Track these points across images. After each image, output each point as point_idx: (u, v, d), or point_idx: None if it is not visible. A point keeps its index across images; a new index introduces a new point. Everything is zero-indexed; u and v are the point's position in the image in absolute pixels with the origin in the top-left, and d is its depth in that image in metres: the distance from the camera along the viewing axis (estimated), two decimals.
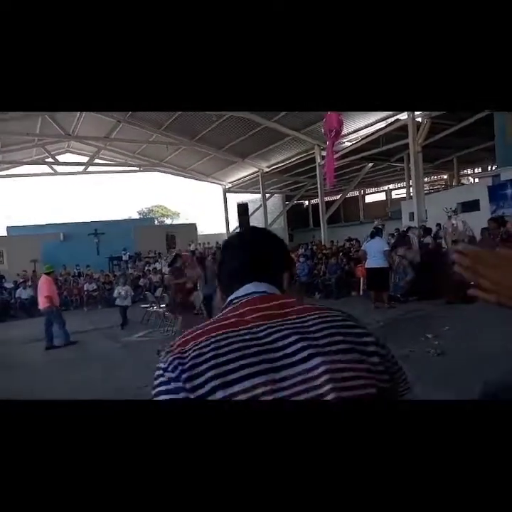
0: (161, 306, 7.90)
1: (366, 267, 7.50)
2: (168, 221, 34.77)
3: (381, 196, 23.76)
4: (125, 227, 20.26)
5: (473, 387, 3.50)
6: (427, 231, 9.03)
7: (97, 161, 18.40)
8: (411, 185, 12.71)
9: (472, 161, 16.78)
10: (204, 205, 60.28)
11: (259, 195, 20.01)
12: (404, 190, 17.23)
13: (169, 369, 0.65)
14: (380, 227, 8.24)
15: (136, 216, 33.43)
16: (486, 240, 7.00)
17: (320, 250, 12.73)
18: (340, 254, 10.44)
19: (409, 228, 8.95)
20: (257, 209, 20.53)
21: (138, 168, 20.07)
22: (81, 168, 18.33)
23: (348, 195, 19.08)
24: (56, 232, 18.68)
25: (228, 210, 21.63)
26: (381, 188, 23.27)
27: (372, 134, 12.53)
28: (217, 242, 19.07)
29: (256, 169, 18.91)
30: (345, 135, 13.68)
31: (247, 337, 0.66)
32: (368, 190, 23.94)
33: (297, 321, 0.70)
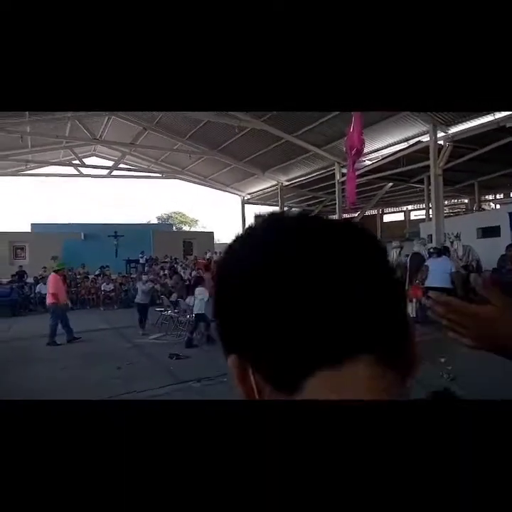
0: (175, 310, 8.05)
1: (428, 285, 6.92)
2: (185, 228, 35.23)
3: (400, 216, 23.66)
4: (144, 231, 20.65)
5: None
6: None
7: (121, 165, 18.90)
8: (430, 207, 12.69)
9: (493, 187, 16.63)
10: (222, 214, 60.87)
11: (277, 208, 20.19)
12: (423, 212, 17.16)
13: None
14: (447, 246, 7.96)
15: (156, 221, 33.98)
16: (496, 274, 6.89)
17: None
18: None
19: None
20: None
21: (160, 175, 20.53)
22: (105, 172, 18.84)
23: (366, 214, 19.07)
24: (77, 232, 19.18)
25: (246, 221, 21.86)
26: (400, 208, 23.18)
27: (393, 154, 12.60)
28: None
29: (275, 182, 19.12)
30: (366, 154, 13.78)
31: None
32: (386, 210, 23.87)
33: None
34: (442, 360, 5.00)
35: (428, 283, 6.85)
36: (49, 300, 7.12)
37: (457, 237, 9.56)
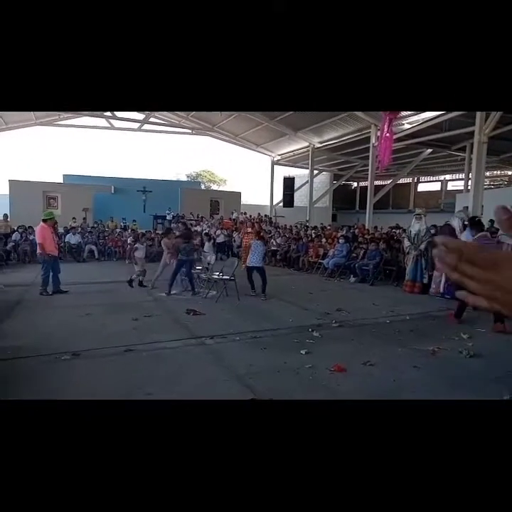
0: (197, 268, 8.11)
1: None
2: (214, 187, 35.04)
3: (436, 186, 22.54)
4: (172, 187, 20.67)
5: (497, 394, 3.35)
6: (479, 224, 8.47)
7: (152, 119, 18.67)
8: (470, 178, 11.94)
9: None
10: (251, 174, 59.84)
11: (307, 171, 19.61)
12: (461, 182, 16.21)
13: None
14: None
15: (185, 178, 33.92)
16: None
17: (362, 234, 12.41)
18: (381, 241, 10.11)
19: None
20: (303, 185, 20.16)
21: (190, 131, 20.20)
22: (136, 125, 18.70)
23: (400, 181, 18.26)
24: (107, 185, 19.42)
25: (274, 183, 21.44)
26: (437, 178, 22.04)
27: (436, 117, 11.77)
28: (258, 214, 19.05)
29: (307, 144, 18.45)
30: (406, 116, 12.95)
31: None
32: (422, 178, 22.77)
33: None
34: (464, 336, 4.84)
35: None
36: (38, 250, 6.95)
37: None
